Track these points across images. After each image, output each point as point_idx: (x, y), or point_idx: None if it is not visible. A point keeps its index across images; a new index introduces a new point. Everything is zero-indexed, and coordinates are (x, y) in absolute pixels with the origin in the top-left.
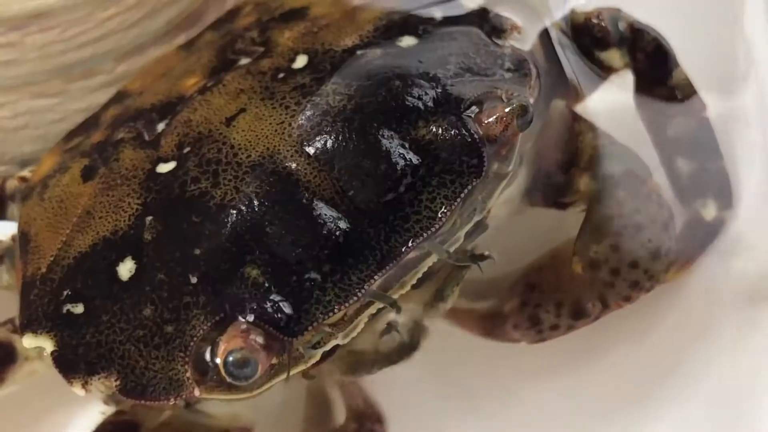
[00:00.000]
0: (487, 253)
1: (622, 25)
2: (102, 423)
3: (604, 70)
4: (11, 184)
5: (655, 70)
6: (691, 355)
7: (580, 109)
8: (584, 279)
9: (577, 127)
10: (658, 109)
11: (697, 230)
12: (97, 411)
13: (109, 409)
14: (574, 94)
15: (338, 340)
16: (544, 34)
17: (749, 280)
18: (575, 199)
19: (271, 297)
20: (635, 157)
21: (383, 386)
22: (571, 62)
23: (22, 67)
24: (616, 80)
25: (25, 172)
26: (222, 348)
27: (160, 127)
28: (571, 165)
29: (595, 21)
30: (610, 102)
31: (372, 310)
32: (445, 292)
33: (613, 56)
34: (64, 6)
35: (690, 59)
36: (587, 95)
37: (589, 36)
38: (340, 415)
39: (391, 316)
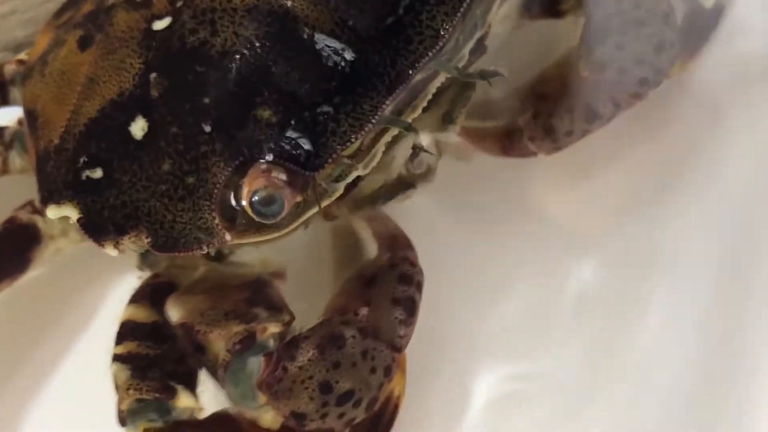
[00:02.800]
0: (494, 68)
1: None
2: (140, 287)
3: None
4: (9, 69)
5: None
6: (707, 146)
7: None
8: (593, 82)
9: None
10: None
11: (699, 20)
12: (129, 282)
13: (145, 274)
14: None
15: (359, 171)
16: None
17: (753, 62)
18: (571, 3)
19: (287, 134)
20: None
21: (406, 217)
22: None
23: None
24: None
25: (22, 55)
26: (246, 189)
27: None
28: None
29: None
30: None
31: (387, 137)
32: (453, 114)
33: None
34: None
35: None
36: None
37: None
38: (370, 251)
39: (412, 140)
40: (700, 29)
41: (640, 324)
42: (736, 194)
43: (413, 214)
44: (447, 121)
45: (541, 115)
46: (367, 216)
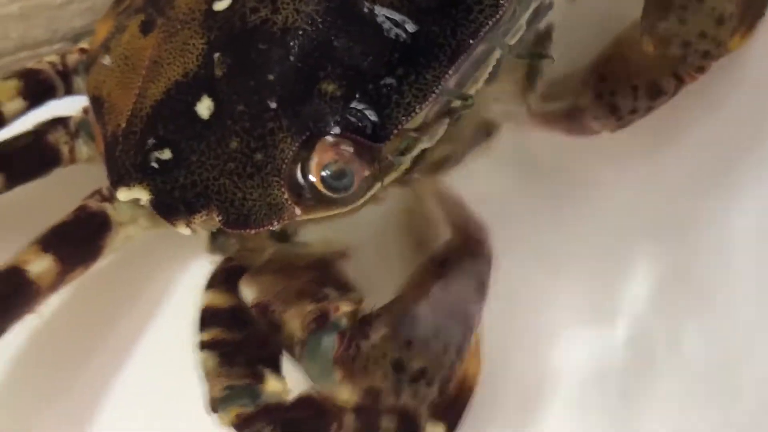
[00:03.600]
0: (546, 52)
1: None
2: (214, 272)
3: None
4: (72, 58)
5: None
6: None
7: None
8: (655, 58)
9: None
10: None
11: None
12: (197, 268)
13: (216, 259)
14: None
15: (424, 144)
16: None
17: None
18: None
19: (352, 107)
20: None
21: (477, 201)
22: None
23: None
24: None
25: (84, 44)
26: (315, 163)
27: None
28: None
29: None
30: None
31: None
32: (531, 82)
33: None
34: None
35: None
36: None
37: None
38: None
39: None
40: (756, 3)
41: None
42: None
43: (483, 196)
44: (530, 80)
45: (604, 95)
46: (439, 196)
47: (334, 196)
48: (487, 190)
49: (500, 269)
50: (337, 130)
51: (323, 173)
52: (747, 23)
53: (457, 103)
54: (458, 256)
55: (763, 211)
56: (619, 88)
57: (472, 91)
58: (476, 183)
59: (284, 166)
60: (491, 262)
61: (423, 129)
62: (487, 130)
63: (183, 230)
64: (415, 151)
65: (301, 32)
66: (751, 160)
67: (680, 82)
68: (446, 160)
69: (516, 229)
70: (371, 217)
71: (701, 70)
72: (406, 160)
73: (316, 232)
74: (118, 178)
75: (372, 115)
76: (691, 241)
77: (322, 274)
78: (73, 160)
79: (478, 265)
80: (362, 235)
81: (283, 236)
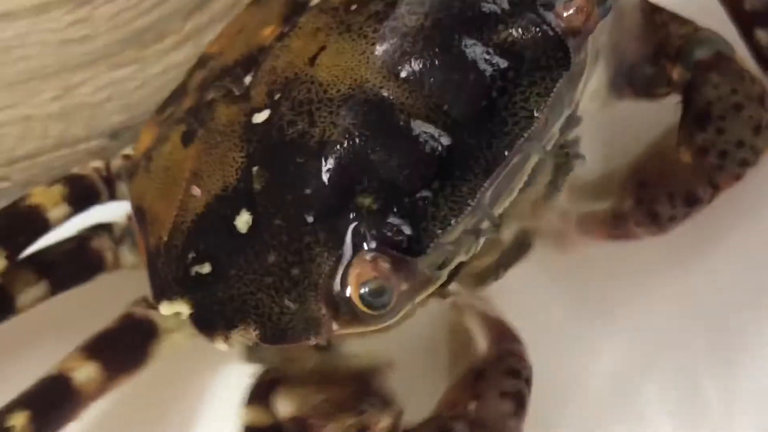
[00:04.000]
0: (579, 152)
1: None
2: (254, 386)
3: None
4: (116, 164)
5: None
6: None
7: None
8: (692, 167)
9: (659, 18)
10: None
11: None
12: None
13: (255, 370)
14: None
15: (461, 257)
16: None
17: None
18: (669, 90)
19: (389, 221)
20: (719, 38)
21: (518, 310)
22: None
23: (96, 41)
24: None
25: (128, 150)
26: (354, 279)
27: (247, 80)
28: (660, 56)
29: None
30: None
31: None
32: (558, 182)
33: None
34: None
35: None
36: None
37: None
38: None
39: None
40: None
41: None
42: None
43: (519, 305)
44: (553, 188)
45: (643, 201)
46: (477, 309)
47: (372, 313)
48: (524, 301)
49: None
50: (373, 244)
51: (362, 290)
52: None
53: (486, 224)
54: (495, 370)
55: None
56: (658, 195)
57: (507, 202)
58: (513, 294)
59: (321, 281)
60: (529, 375)
61: (459, 242)
62: (526, 242)
63: (220, 346)
64: (452, 265)
65: (337, 146)
66: None
67: (716, 189)
68: (486, 273)
69: (548, 342)
70: (413, 330)
71: (738, 177)
72: (443, 274)
73: (360, 344)
74: (161, 292)
75: (407, 229)
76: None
77: (362, 386)
78: (117, 266)
79: (516, 382)
80: (403, 347)
81: (325, 347)
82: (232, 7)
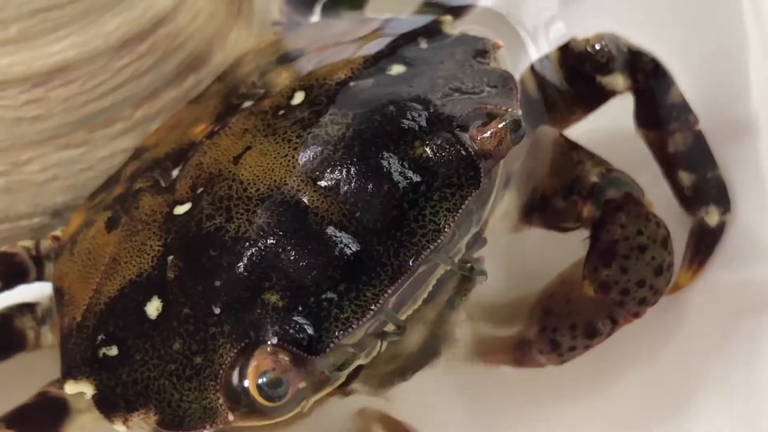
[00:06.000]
0: (482, 268)
1: (623, 49)
2: None
3: (605, 95)
4: (45, 244)
5: (655, 90)
6: (705, 368)
7: (571, 134)
8: (594, 300)
9: (576, 156)
10: (657, 128)
11: (703, 236)
12: None
13: None
14: (563, 121)
15: (361, 360)
16: (534, 64)
17: (756, 287)
18: (578, 224)
19: (293, 319)
20: (631, 181)
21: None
22: (561, 90)
23: (48, 121)
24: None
25: (57, 232)
26: (252, 370)
27: (175, 173)
28: (572, 192)
29: (598, 47)
30: (603, 125)
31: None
32: (455, 301)
33: (617, 80)
34: (82, 58)
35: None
36: (578, 121)
37: (591, 62)
38: None
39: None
40: (704, 245)
41: None
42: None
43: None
44: (450, 307)
45: (546, 329)
46: (380, 414)
47: (268, 404)
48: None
49: None
50: (275, 340)
51: (259, 381)
52: (695, 263)
53: (390, 327)
54: None
55: None
56: (560, 325)
57: (410, 310)
58: (419, 399)
59: (221, 371)
60: None
61: (360, 345)
62: (434, 349)
63: (119, 428)
64: (351, 367)
65: (250, 242)
66: (681, 405)
67: (616, 324)
68: (392, 375)
69: None
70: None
71: (637, 315)
72: (342, 375)
73: None
74: (68, 370)
75: (309, 328)
76: None
77: None
78: (38, 345)
79: None
80: None
81: None
82: (181, 101)
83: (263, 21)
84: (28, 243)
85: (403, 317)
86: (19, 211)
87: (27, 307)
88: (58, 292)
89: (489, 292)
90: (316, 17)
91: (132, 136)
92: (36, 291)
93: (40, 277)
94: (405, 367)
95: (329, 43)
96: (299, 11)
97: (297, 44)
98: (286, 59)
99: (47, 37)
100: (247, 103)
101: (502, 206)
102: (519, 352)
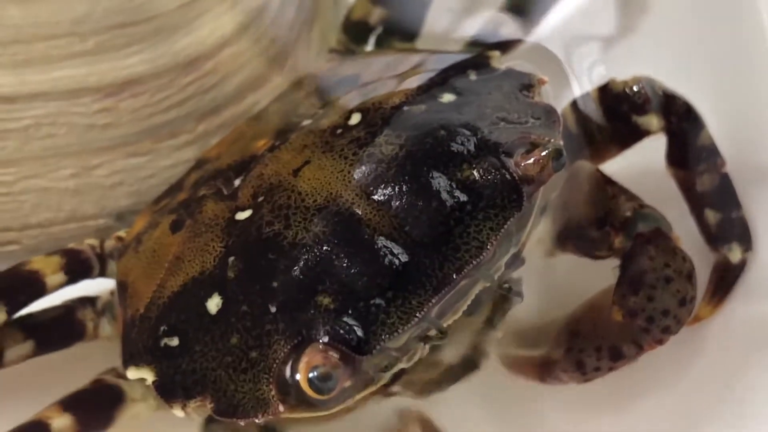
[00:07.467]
0: (519, 289)
1: (658, 92)
2: None
3: (639, 134)
4: (109, 244)
5: (686, 132)
6: (721, 398)
7: (606, 170)
8: (621, 325)
9: (611, 190)
10: (686, 167)
11: (725, 272)
12: None
13: None
14: (600, 157)
15: (403, 364)
16: (575, 101)
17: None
18: (610, 254)
19: (343, 320)
20: (661, 216)
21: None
22: (599, 127)
23: (118, 129)
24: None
25: (121, 233)
26: (304, 366)
27: (237, 182)
28: (605, 223)
29: (636, 88)
30: (637, 163)
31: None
32: (494, 320)
33: (651, 120)
34: (151, 73)
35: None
36: (613, 157)
37: (628, 102)
38: None
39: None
40: (726, 280)
41: None
42: None
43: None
44: (489, 326)
45: (573, 350)
46: (419, 421)
47: (317, 397)
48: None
49: None
50: (326, 338)
51: (311, 374)
52: (717, 297)
53: (433, 332)
54: None
55: None
56: (586, 346)
57: (451, 320)
58: (453, 410)
59: (275, 365)
60: None
61: (403, 349)
62: (473, 362)
63: (178, 413)
64: (394, 369)
65: (306, 248)
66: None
67: (640, 349)
68: (430, 384)
69: None
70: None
71: (660, 342)
72: (386, 376)
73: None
74: (130, 357)
75: (358, 330)
76: None
77: None
78: (96, 336)
79: None
80: None
81: (270, 430)
82: (239, 117)
83: (321, 48)
84: (93, 241)
85: (445, 324)
86: (86, 212)
87: (88, 301)
88: (122, 286)
89: (519, 314)
90: (370, 47)
91: (194, 147)
92: (97, 286)
93: (102, 274)
94: (443, 378)
95: (382, 70)
96: (354, 41)
97: (352, 70)
98: (342, 84)
99: (121, 51)
100: (306, 122)
101: (538, 232)
102: (544, 370)
